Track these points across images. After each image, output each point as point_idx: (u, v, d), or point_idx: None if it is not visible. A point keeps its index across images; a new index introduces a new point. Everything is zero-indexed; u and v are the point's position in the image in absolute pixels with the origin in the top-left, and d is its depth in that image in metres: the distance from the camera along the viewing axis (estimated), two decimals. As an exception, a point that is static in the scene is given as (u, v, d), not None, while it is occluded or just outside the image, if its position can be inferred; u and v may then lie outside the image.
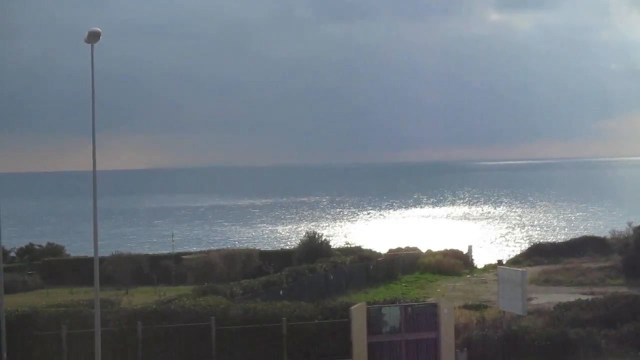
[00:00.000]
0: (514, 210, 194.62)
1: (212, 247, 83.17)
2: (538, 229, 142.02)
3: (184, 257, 67.54)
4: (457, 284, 61.21)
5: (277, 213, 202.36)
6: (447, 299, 47.62)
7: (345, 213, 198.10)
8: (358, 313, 33.14)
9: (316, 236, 65.81)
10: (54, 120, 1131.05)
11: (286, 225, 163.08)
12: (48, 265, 71.20)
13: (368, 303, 35.15)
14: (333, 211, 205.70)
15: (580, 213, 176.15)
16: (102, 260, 50.96)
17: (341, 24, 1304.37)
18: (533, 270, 62.19)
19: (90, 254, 64.43)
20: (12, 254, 78.20)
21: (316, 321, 33.51)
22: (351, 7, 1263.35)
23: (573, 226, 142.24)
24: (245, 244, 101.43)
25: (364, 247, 75.35)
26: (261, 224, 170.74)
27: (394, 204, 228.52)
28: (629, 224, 67.95)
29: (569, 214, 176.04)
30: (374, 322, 33.26)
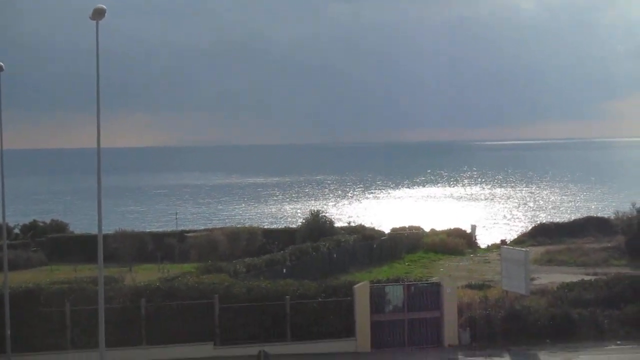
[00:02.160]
0: (517, 190, 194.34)
1: (216, 225, 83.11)
2: (542, 209, 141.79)
3: (188, 234, 67.68)
4: (461, 264, 61.32)
5: (281, 192, 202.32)
6: (451, 278, 47.68)
7: (350, 192, 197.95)
8: (361, 292, 33.23)
9: (320, 215, 65.77)
10: (56, 97, 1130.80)
11: (290, 204, 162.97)
12: (52, 242, 71.34)
13: (371, 282, 35.23)
14: (337, 190, 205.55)
15: (584, 193, 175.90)
16: (106, 237, 51.02)
17: (348, 4, 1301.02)
18: (536, 251, 62.28)
19: (94, 231, 64.61)
20: (16, 231, 78.30)
21: (319, 299, 33.59)
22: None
23: (577, 207, 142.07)
24: (249, 222, 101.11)
25: (368, 226, 75.33)
26: (265, 202, 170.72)
27: (398, 183, 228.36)
28: (633, 204, 67.60)
29: (572, 194, 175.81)
30: (377, 301, 33.38)
